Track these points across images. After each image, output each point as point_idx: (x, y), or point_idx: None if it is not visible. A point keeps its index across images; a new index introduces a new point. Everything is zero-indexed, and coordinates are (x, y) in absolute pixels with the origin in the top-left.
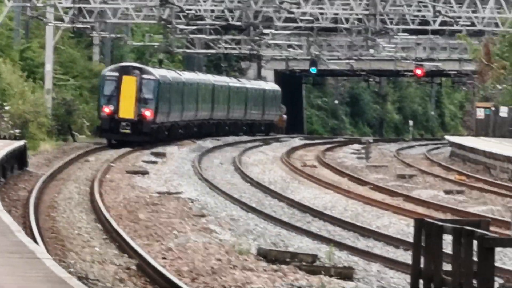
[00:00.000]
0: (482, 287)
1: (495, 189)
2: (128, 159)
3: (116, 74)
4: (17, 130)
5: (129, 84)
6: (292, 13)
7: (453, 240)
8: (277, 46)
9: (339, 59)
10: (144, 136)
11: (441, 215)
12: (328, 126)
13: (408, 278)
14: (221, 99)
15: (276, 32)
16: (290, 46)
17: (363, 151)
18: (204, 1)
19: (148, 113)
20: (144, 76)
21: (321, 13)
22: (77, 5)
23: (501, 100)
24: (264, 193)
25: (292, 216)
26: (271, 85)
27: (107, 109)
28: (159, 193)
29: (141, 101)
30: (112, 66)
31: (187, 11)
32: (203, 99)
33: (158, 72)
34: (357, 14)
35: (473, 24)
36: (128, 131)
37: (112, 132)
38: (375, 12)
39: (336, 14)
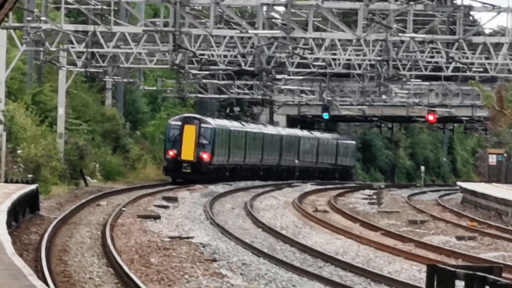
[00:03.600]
0: None
1: (507, 235)
2: (140, 204)
3: (179, 123)
4: (30, 175)
5: (189, 132)
6: (305, 58)
7: (465, 286)
8: (289, 91)
9: (351, 104)
10: (202, 175)
11: (452, 261)
12: None
13: None
14: (269, 146)
15: (289, 77)
16: (302, 91)
17: (374, 196)
18: (217, 47)
19: (205, 156)
20: (202, 125)
21: (334, 59)
22: (90, 50)
23: None
24: (276, 238)
25: (303, 261)
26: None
27: (171, 152)
28: (170, 237)
29: (199, 146)
30: (176, 117)
31: (200, 56)
32: (261, 147)
33: (215, 122)
34: (369, 60)
35: (486, 71)
36: (188, 170)
37: (175, 171)
38: (388, 58)
39: (349, 60)
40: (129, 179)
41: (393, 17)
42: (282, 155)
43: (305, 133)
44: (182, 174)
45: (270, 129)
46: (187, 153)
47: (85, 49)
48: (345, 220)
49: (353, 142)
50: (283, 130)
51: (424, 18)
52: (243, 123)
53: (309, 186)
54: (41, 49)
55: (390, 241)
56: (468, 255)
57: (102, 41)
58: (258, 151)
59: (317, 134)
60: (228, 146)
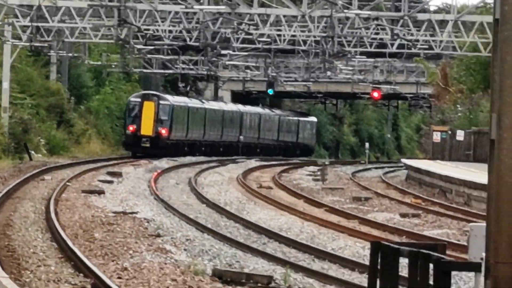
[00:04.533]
0: None
1: (451, 213)
2: (84, 179)
3: (139, 99)
4: None
5: (148, 108)
6: (250, 34)
7: (409, 263)
8: (234, 67)
9: (296, 80)
10: (161, 149)
11: (396, 238)
12: None
13: None
14: (228, 123)
15: (234, 53)
16: (247, 67)
17: (319, 173)
18: (162, 22)
19: (163, 131)
20: (161, 101)
21: (279, 35)
22: (35, 24)
23: (458, 124)
24: (220, 214)
25: (247, 237)
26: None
27: (131, 128)
28: (115, 212)
29: (158, 122)
30: (136, 94)
31: (145, 31)
32: (221, 123)
33: (174, 99)
34: (314, 36)
35: (430, 48)
36: (148, 145)
37: (135, 146)
38: (332, 34)
39: (294, 36)
40: (74, 154)
41: None
42: (242, 131)
43: (266, 110)
44: (141, 149)
45: (230, 107)
46: (146, 128)
47: (30, 23)
48: (289, 196)
49: (315, 119)
50: (243, 107)
51: None
52: (203, 100)
53: (253, 162)
54: None
55: (334, 218)
56: (412, 233)
57: (47, 15)
58: (218, 128)
59: (277, 111)
60: (187, 123)
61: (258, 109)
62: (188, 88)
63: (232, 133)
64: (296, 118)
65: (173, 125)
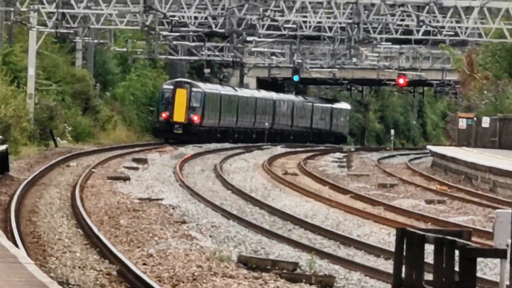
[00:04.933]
0: None
1: (477, 199)
2: (110, 165)
3: (171, 87)
4: None
5: (181, 95)
6: (276, 21)
7: (435, 250)
8: (260, 54)
9: (322, 67)
10: (193, 136)
11: (422, 225)
12: None
13: (388, 287)
14: (260, 110)
15: (259, 39)
16: (273, 54)
17: (344, 159)
18: (188, 8)
19: (195, 118)
20: (193, 89)
21: (305, 21)
22: (61, 10)
23: (483, 110)
24: (246, 201)
25: (273, 224)
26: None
27: (164, 114)
28: (140, 199)
29: (190, 108)
30: (169, 81)
31: (170, 18)
32: (254, 110)
33: (206, 86)
34: (340, 23)
35: (456, 34)
36: (180, 131)
37: (167, 132)
38: (358, 21)
39: (320, 22)
40: (99, 140)
41: None
42: (275, 119)
43: (299, 98)
44: (174, 135)
45: (263, 94)
46: (179, 115)
47: (55, 10)
48: (314, 183)
49: (348, 107)
50: (276, 95)
51: None
52: (236, 88)
53: (279, 149)
54: (12, 9)
55: (359, 204)
56: (438, 219)
57: (72, 1)
58: (251, 115)
59: (310, 99)
60: (219, 110)
61: (291, 97)
62: (221, 76)
63: (265, 120)
64: (329, 105)
65: (205, 112)
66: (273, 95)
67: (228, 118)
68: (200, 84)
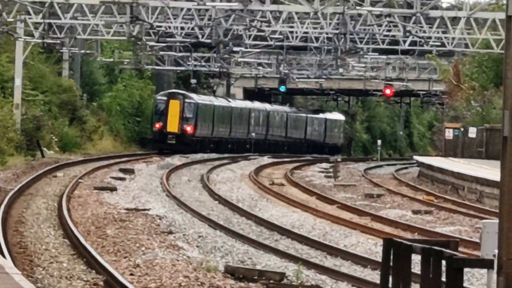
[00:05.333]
0: None
1: (463, 210)
2: (97, 175)
3: (165, 98)
4: None
5: (174, 106)
6: (262, 31)
7: (421, 260)
8: (246, 64)
9: (308, 77)
10: (186, 146)
11: (409, 235)
12: None
13: None
14: (253, 121)
15: (246, 50)
16: (259, 64)
17: (331, 170)
18: (174, 18)
19: (189, 128)
20: (186, 100)
21: (291, 32)
22: (47, 21)
23: (470, 121)
24: (232, 211)
25: (260, 234)
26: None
27: (157, 125)
28: (127, 209)
29: (183, 119)
30: (162, 92)
31: (157, 28)
32: (247, 121)
33: (199, 97)
34: (327, 33)
35: (443, 45)
36: (173, 142)
37: (161, 142)
38: (345, 31)
39: (306, 33)
40: (86, 151)
41: None
42: (269, 130)
43: (293, 109)
44: (167, 145)
45: (256, 105)
46: (172, 125)
47: (42, 20)
48: (301, 193)
49: (342, 118)
50: (269, 106)
51: None
52: (229, 99)
53: (265, 159)
54: None
55: (346, 215)
56: (425, 229)
57: (59, 12)
58: (245, 126)
59: (304, 111)
60: (212, 120)
61: (285, 108)
62: (207, 86)
63: (259, 131)
64: (323, 116)
65: (198, 123)
66: (267, 106)
67: (222, 128)
68: (193, 95)
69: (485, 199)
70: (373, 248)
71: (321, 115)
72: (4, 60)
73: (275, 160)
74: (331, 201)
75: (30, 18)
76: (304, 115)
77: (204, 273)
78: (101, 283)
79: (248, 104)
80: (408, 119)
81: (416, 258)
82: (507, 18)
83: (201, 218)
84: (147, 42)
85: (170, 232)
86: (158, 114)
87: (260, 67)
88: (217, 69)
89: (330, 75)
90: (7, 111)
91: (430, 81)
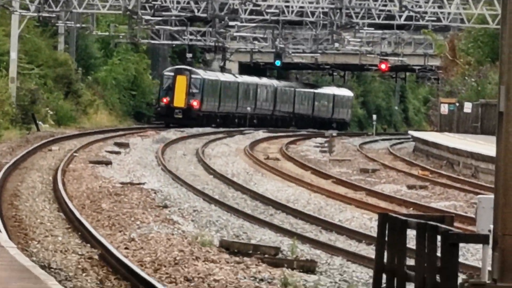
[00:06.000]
0: (446, 282)
1: (458, 185)
2: (92, 149)
3: (172, 73)
4: None
5: (181, 81)
6: (258, 5)
7: (417, 235)
8: (242, 39)
9: (304, 52)
10: (192, 120)
11: (403, 210)
12: None
13: (370, 272)
14: (261, 97)
15: (242, 24)
16: (255, 38)
17: (326, 144)
18: None
19: (195, 103)
20: (193, 75)
21: (287, 6)
22: None
23: (465, 96)
24: (227, 185)
25: (255, 209)
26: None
27: (165, 100)
28: (122, 183)
29: (190, 94)
30: (169, 68)
31: (152, 2)
32: (254, 97)
33: (205, 73)
34: (322, 8)
35: (438, 20)
36: (180, 116)
37: (168, 116)
38: (340, 6)
39: (302, 7)
40: (81, 125)
41: None
42: (276, 105)
43: (300, 85)
44: (174, 119)
45: (264, 81)
46: (179, 100)
47: None
48: (296, 167)
49: (351, 94)
50: (277, 82)
51: None
52: (236, 75)
53: (261, 134)
54: None
55: (341, 189)
56: (420, 204)
57: None
58: (252, 101)
59: (312, 87)
60: (219, 95)
61: (292, 84)
62: (191, 57)
63: (266, 106)
64: (331, 93)
65: (204, 98)
66: (274, 82)
67: (228, 104)
68: (200, 71)
69: (480, 174)
70: (368, 223)
71: (329, 91)
72: (0, 34)
73: (270, 134)
74: (326, 176)
75: None
76: (312, 90)
77: (199, 247)
78: (96, 256)
79: (255, 79)
80: (403, 94)
81: (411, 233)
82: None
83: (196, 192)
84: (143, 16)
85: (165, 206)
86: (165, 89)
87: (256, 42)
88: (213, 44)
89: (325, 50)
90: (3, 85)
91: (425, 56)
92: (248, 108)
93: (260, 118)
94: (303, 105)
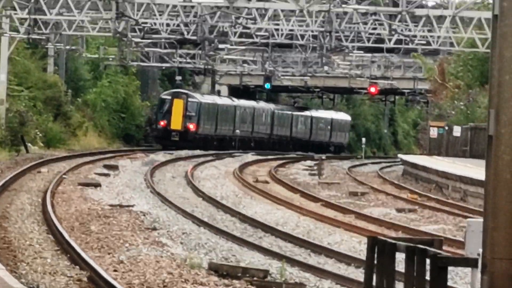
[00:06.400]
0: None
1: (447, 208)
2: (81, 171)
3: (169, 97)
4: None
5: (178, 105)
6: (248, 28)
7: (406, 259)
8: (232, 61)
9: (294, 75)
10: (189, 143)
11: (393, 233)
12: None
13: None
14: (258, 120)
15: (231, 47)
16: (245, 61)
17: (315, 167)
18: (160, 15)
19: (191, 126)
20: (189, 99)
21: (277, 29)
22: (33, 16)
23: (455, 120)
24: (216, 208)
25: (244, 231)
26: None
27: (162, 122)
28: (111, 205)
29: (186, 117)
30: (167, 92)
31: (142, 25)
32: (252, 120)
33: (202, 97)
34: (312, 31)
35: (428, 43)
36: (177, 139)
37: (165, 139)
38: (330, 29)
39: (292, 30)
40: (70, 147)
41: None
42: (274, 129)
43: (299, 110)
44: (171, 142)
45: (261, 105)
46: (176, 123)
47: (28, 16)
48: (285, 190)
49: (348, 118)
50: (274, 106)
51: None
52: (234, 98)
53: (250, 156)
54: None
55: (330, 213)
56: (409, 228)
57: (45, 8)
58: (249, 124)
59: (310, 111)
60: (216, 119)
61: (290, 108)
62: (181, 80)
63: (263, 130)
64: (329, 117)
65: (200, 121)
66: (271, 106)
67: (225, 127)
68: (197, 95)
69: (469, 198)
70: (357, 246)
71: (327, 116)
72: None
73: (259, 157)
74: (315, 199)
75: (15, 14)
76: (309, 114)
77: (188, 269)
78: (85, 279)
79: (252, 103)
80: (392, 118)
81: (400, 257)
82: (493, 17)
83: (185, 215)
84: (133, 39)
85: (154, 229)
86: (163, 112)
87: (245, 64)
88: (202, 66)
89: (315, 73)
90: None
91: (415, 80)
92: (246, 132)
93: (257, 141)
94: (301, 129)
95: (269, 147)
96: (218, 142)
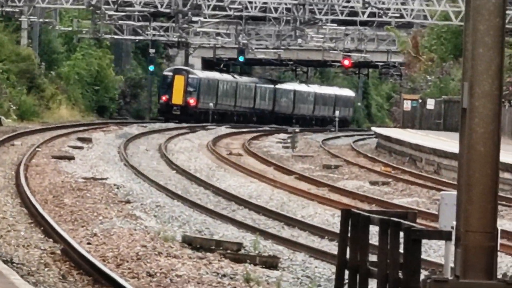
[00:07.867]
0: (408, 279)
1: (421, 181)
2: (55, 144)
3: (171, 73)
4: None
5: (179, 81)
6: (221, 1)
7: (379, 232)
8: (205, 34)
9: (267, 48)
10: (190, 116)
11: (366, 206)
12: None
13: (333, 268)
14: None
15: (205, 20)
16: (218, 34)
17: (289, 140)
18: None
19: (192, 101)
20: (190, 75)
21: (250, 2)
22: None
23: (428, 93)
24: (190, 181)
25: (217, 204)
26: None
27: (164, 97)
28: (84, 178)
29: (187, 93)
30: (169, 68)
31: None
32: (253, 96)
33: (202, 73)
34: (286, 4)
35: (402, 16)
36: (178, 113)
37: (167, 113)
38: (304, 2)
39: (265, 3)
40: (44, 119)
41: None
42: (276, 104)
43: (301, 86)
44: (173, 116)
45: (263, 82)
46: (177, 98)
47: None
48: (259, 163)
49: (352, 94)
50: (276, 83)
51: None
52: (235, 75)
53: (223, 129)
54: None
55: (304, 185)
56: (382, 201)
57: None
58: (250, 100)
59: (314, 87)
60: (216, 94)
61: (293, 85)
62: (154, 53)
63: (265, 105)
64: (333, 93)
65: (200, 96)
66: (272, 84)
67: (226, 101)
68: (197, 71)
69: (443, 170)
70: (330, 219)
71: (330, 92)
72: None
73: (233, 130)
74: (289, 172)
75: None
76: (312, 91)
77: (161, 242)
78: (59, 252)
79: (253, 80)
80: (366, 91)
81: (374, 230)
82: None
83: (158, 188)
84: (106, 11)
85: (128, 202)
86: (165, 88)
87: (219, 37)
88: (176, 39)
89: (288, 46)
90: None
91: (388, 53)
92: (247, 108)
93: (259, 116)
94: (303, 105)
95: (271, 122)
96: (219, 116)
